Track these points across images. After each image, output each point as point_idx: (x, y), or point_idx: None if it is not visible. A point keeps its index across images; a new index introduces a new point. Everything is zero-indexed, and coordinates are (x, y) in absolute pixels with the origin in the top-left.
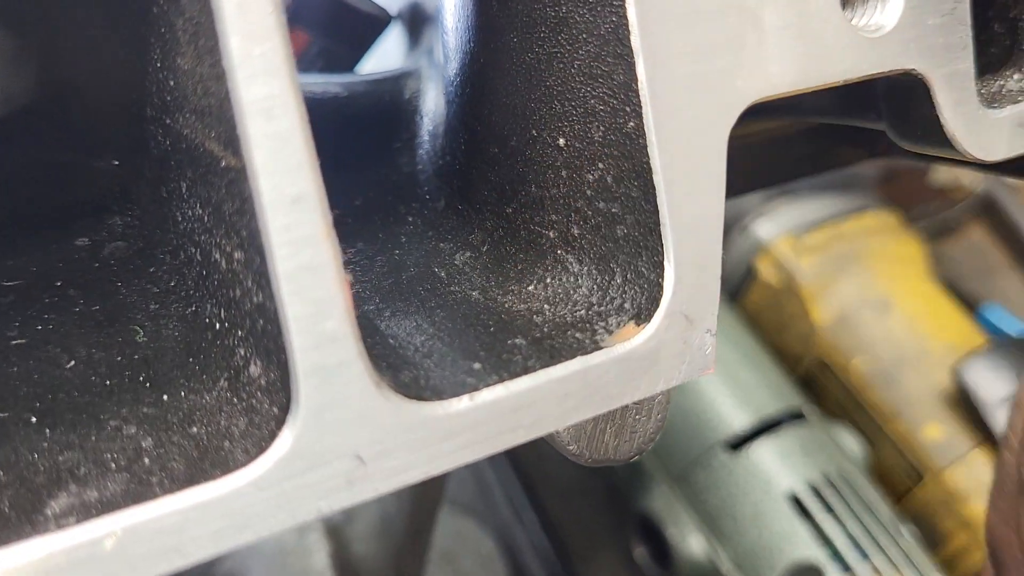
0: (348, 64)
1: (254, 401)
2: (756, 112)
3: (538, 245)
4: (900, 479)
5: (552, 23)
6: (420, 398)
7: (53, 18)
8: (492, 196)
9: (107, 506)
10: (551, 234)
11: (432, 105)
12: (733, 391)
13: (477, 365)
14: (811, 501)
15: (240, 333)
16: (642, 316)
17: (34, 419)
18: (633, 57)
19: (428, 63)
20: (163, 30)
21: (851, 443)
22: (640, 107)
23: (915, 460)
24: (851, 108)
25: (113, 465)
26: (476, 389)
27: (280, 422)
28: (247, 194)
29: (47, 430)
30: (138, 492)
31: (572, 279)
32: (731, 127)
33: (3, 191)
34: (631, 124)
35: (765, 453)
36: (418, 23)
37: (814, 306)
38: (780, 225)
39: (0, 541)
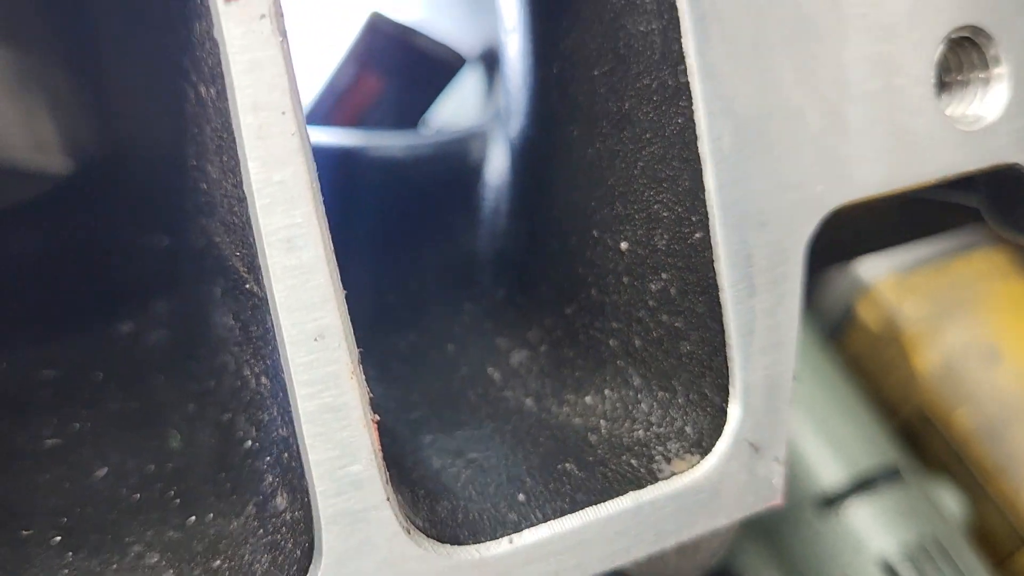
0: (421, 109)
1: (279, 536)
2: None
3: (598, 353)
4: (1002, 541)
5: (615, 119)
6: (455, 540)
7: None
8: (552, 294)
9: None
10: (612, 343)
11: (497, 176)
12: (826, 443)
13: (522, 496)
14: (905, 569)
15: (269, 459)
16: (704, 444)
17: (58, 538)
18: (700, 164)
19: (497, 122)
20: (196, 130)
21: (950, 501)
22: (707, 218)
23: (1019, 522)
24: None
25: None
26: (517, 529)
27: (303, 569)
28: (269, 324)
29: (69, 553)
30: None
31: (632, 394)
32: (811, 236)
33: (55, 270)
34: (697, 235)
35: (858, 514)
36: (495, 68)
37: (916, 352)
38: (882, 264)
39: None
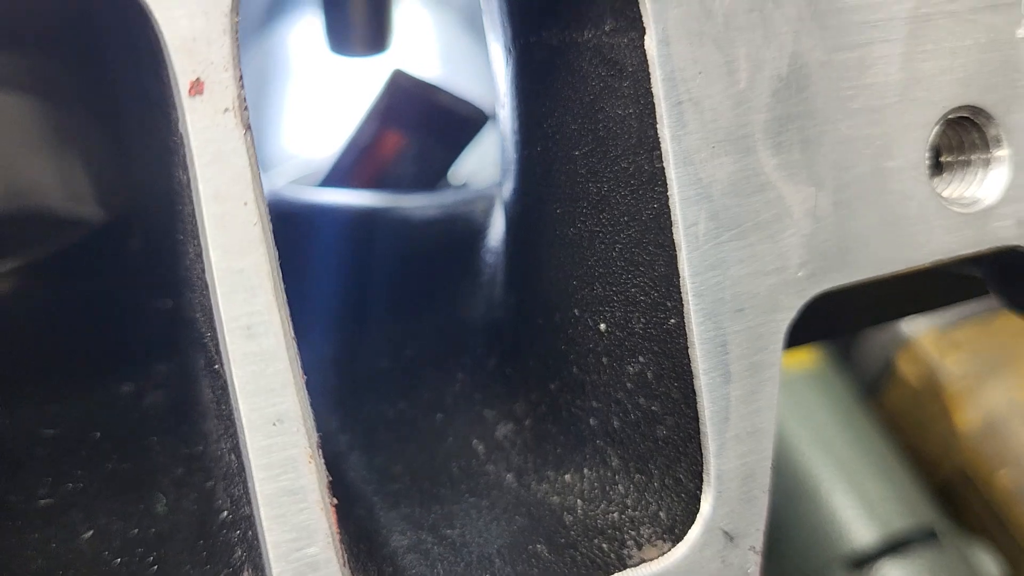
0: (444, 164)
1: None
2: None
3: (578, 431)
4: None
5: (594, 200)
6: None
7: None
8: (538, 368)
9: None
10: (592, 422)
11: (497, 243)
12: (859, 502)
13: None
14: None
15: (239, 533)
16: (677, 531)
17: None
18: (675, 250)
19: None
20: (180, 208)
21: (988, 565)
22: (682, 304)
23: None
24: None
25: None
26: None
27: None
28: (231, 408)
29: None
30: None
31: (610, 475)
32: (790, 323)
33: (65, 327)
34: (672, 321)
35: None
36: None
37: (958, 409)
38: (925, 321)
39: None
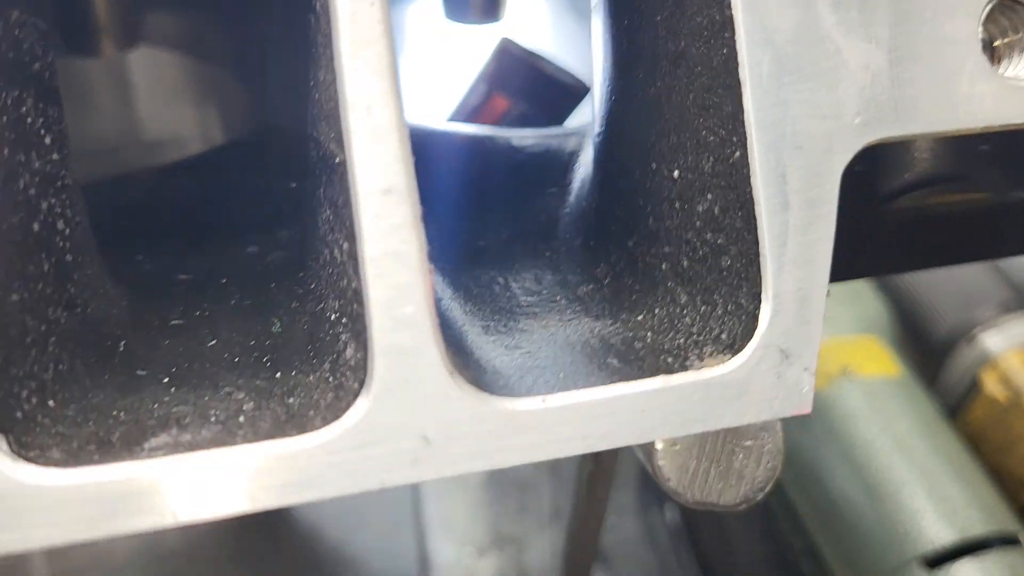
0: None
1: (343, 379)
2: (930, 182)
3: (652, 277)
4: None
5: (673, 57)
6: (492, 392)
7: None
8: (618, 230)
9: (192, 447)
10: (664, 266)
11: (586, 160)
12: (938, 506)
13: (562, 375)
14: None
15: (345, 320)
16: (736, 346)
17: (166, 379)
18: (741, 88)
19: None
20: (315, 49)
21: None
22: (746, 138)
23: None
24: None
25: (213, 418)
26: (551, 392)
27: (357, 396)
28: (348, 184)
29: (172, 388)
30: (222, 440)
31: (678, 310)
32: (846, 164)
33: (211, 208)
34: (737, 154)
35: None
36: None
37: None
38: (1012, 338)
39: (98, 462)
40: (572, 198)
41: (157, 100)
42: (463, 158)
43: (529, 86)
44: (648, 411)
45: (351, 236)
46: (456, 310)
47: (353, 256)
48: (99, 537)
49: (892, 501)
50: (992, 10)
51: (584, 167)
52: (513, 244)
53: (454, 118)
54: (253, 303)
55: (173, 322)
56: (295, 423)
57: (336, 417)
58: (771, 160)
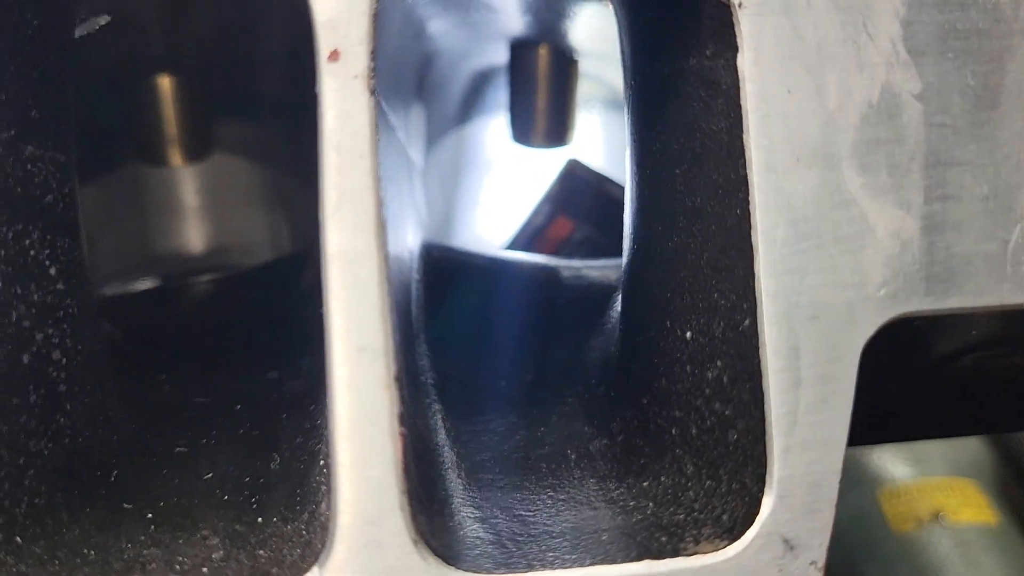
0: (609, 251)
1: (312, 535)
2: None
3: (661, 441)
4: None
5: (689, 213)
6: (459, 566)
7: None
8: (635, 385)
9: None
10: (674, 431)
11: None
12: None
13: (544, 548)
14: None
15: (326, 472)
16: (736, 531)
17: (150, 514)
18: (753, 252)
19: None
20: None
21: None
22: (755, 306)
23: None
24: None
25: (178, 566)
26: (526, 570)
27: (317, 558)
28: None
29: (152, 526)
30: None
31: (684, 481)
32: (867, 338)
33: (242, 329)
34: (747, 322)
35: None
36: None
37: None
38: None
39: None
40: (603, 339)
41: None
42: (500, 288)
43: (595, 208)
44: None
45: (328, 388)
46: (457, 459)
47: (329, 411)
48: None
49: None
50: None
51: (617, 310)
52: (537, 388)
53: (518, 238)
54: (261, 433)
55: (177, 450)
56: None
57: None
58: (782, 331)
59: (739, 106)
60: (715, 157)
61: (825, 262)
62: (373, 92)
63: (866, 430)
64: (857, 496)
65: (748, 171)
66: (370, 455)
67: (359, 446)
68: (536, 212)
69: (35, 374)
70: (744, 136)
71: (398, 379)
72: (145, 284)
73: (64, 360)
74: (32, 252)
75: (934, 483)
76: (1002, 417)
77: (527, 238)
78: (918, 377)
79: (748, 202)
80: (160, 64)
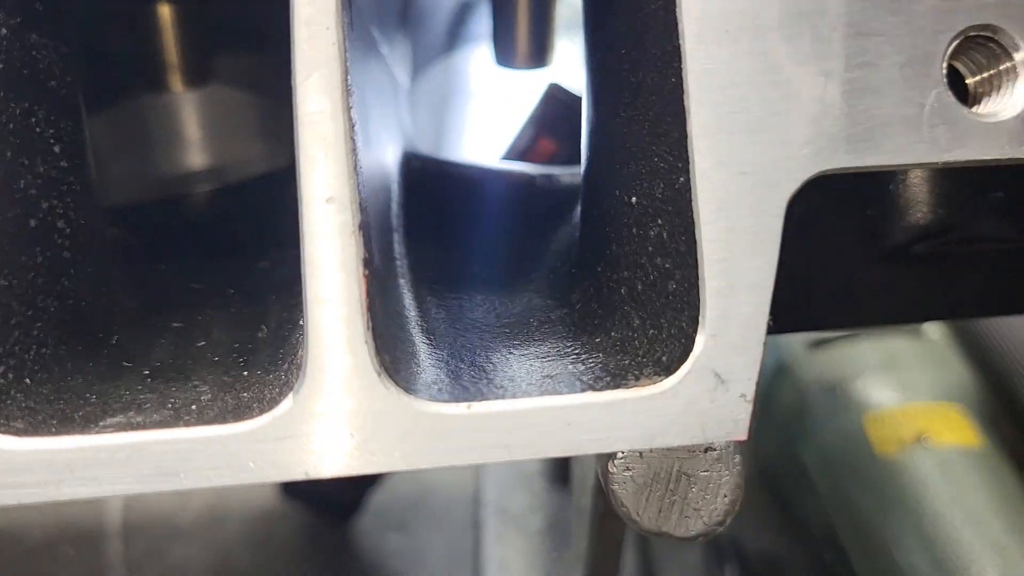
0: None
1: (291, 378)
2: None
3: (612, 301)
4: None
5: (633, 88)
6: (419, 396)
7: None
8: (591, 257)
9: (140, 427)
10: (623, 290)
11: None
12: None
13: (497, 386)
14: None
15: (302, 323)
16: (672, 369)
17: (147, 372)
18: (686, 116)
19: None
20: None
21: None
22: (689, 163)
23: None
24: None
25: (169, 405)
26: (476, 399)
27: (291, 390)
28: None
29: (149, 379)
30: (167, 423)
31: (631, 333)
32: (792, 192)
33: (239, 227)
34: (681, 179)
35: None
36: None
37: None
38: None
39: (58, 434)
40: (570, 230)
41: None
42: (480, 192)
43: (576, 129)
44: (573, 424)
45: (300, 241)
46: (423, 324)
47: (301, 261)
48: (46, 501)
49: (945, 549)
50: (963, 46)
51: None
52: (510, 271)
53: (505, 159)
54: (251, 311)
55: (174, 324)
56: (238, 414)
57: (270, 409)
58: (713, 186)
59: None
60: (653, 33)
61: (752, 124)
62: None
63: (832, 316)
64: (844, 421)
65: (682, 42)
66: (337, 294)
67: (327, 287)
68: (520, 135)
69: (41, 238)
70: (677, 10)
71: (363, 227)
72: (151, 196)
73: (68, 230)
74: (38, 129)
75: (919, 408)
76: (955, 303)
77: (513, 159)
78: (876, 266)
79: (682, 70)
80: None
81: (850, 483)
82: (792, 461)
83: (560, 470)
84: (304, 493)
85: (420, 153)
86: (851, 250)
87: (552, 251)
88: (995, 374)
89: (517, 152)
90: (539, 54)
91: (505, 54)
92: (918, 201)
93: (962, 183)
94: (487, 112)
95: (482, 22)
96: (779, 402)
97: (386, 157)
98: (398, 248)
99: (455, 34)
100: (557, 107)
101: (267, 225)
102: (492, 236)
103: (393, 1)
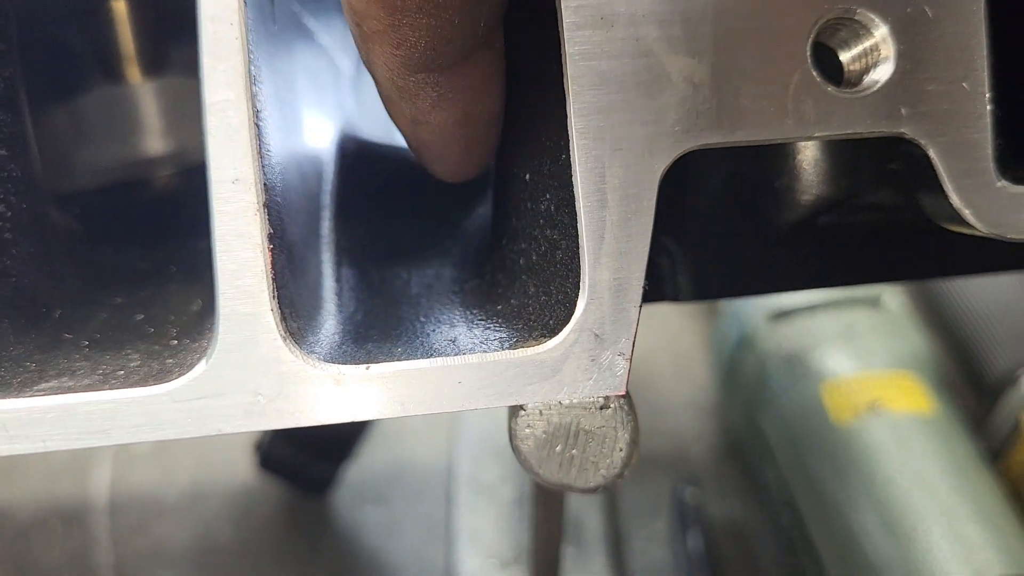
0: None
1: (207, 343)
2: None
3: (512, 271)
4: None
5: (522, 75)
6: (321, 358)
7: None
8: (498, 230)
9: (69, 390)
10: (521, 261)
11: None
12: (954, 545)
13: (399, 349)
14: None
15: None
16: (556, 332)
17: (86, 343)
18: (566, 98)
19: None
20: None
21: None
22: (570, 142)
23: None
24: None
25: (99, 372)
26: (375, 361)
27: (204, 354)
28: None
29: (87, 349)
30: (95, 387)
31: (527, 300)
32: (666, 165)
33: (184, 212)
34: (563, 156)
35: None
36: None
37: None
38: None
39: None
40: (487, 206)
41: (172, 119)
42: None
43: None
44: (464, 383)
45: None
46: (347, 296)
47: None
48: None
49: (907, 538)
50: (831, 26)
51: None
52: (434, 246)
53: None
54: (189, 288)
55: (116, 300)
56: (160, 378)
57: (187, 372)
58: (590, 161)
59: None
60: (536, 23)
61: (627, 104)
62: None
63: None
64: (802, 390)
65: (561, 31)
66: (243, 267)
67: (234, 261)
68: None
69: None
70: (557, 3)
71: (267, 205)
72: (106, 182)
73: (9, 213)
74: None
75: (873, 376)
76: (856, 270)
77: None
78: (787, 235)
79: (562, 56)
80: None
81: (807, 449)
82: (754, 430)
83: None
84: (280, 468)
85: (356, 136)
86: (760, 222)
87: (473, 227)
88: (951, 343)
89: None
90: None
91: None
92: (820, 174)
93: (859, 156)
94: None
95: None
96: (742, 373)
97: (321, 142)
98: (327, 225)
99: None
100: None
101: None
102: (418, 213)
103: None
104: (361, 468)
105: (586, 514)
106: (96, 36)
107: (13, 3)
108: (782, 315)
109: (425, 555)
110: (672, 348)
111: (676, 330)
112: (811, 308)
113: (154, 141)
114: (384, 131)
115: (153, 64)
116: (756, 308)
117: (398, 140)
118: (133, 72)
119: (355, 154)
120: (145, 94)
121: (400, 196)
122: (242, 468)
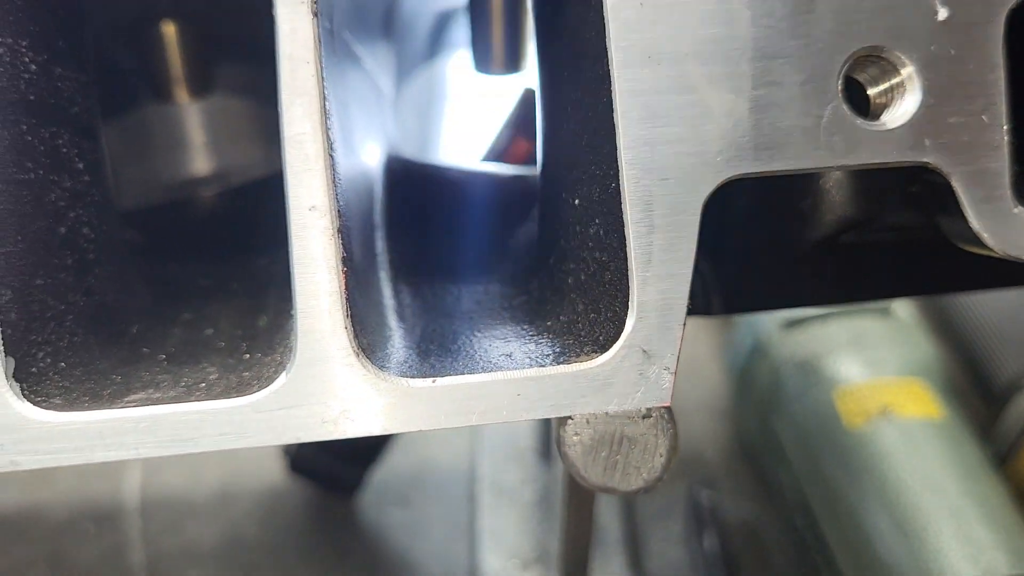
0: None
1: (285, 359)
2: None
3: (561, 290)
4: None
5: (574, 105)
6: (391, 372)
7: None
8: (545, 250)
9: (158, 402)
10: (570, 280)
11: None
12: (963, 546)
13: (460, 363)
14: None
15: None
16: (607, 347)
17: (163, 357)
18: (615, 131)
19: None
20: None
21: None
22: (619, 171)
23: None
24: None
25: (182, 384)
26: (441, 375)
27: (284, 369)
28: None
29: (165, 363)
30: (181, 398)
31: (576, 317)
32: (708, 194)
33: (243, 229)
34: (613, 185)
35: None
36: None
37: None
38: None
39: (90, 408)
40: (532, 225)
41: (224, 137)
42: (455, 191)
43: None
44: (523, 395)
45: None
46: (400, 312)
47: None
48: (81, 463)
49: (917, 538)
50: (861, 63)
51: None
52: (480, 263)
53: (485, 159)
54: (253, 303)
55: (184, 316)
56: (240, 390)
57: (267, 386)
58: (639, 190)
59: (603, 16)
60: (589, 57)
61: (672, 136)
62: (316, 14)
63: (769, 299)
64: (815, 396)
65: (611, 67)
66: (320, 288)
67: (312, 282)
68: (499, 136)
69: (69, 243)
70: (607, 40)
71: (341, 231)
72: (161, 200)
73: (92, 235)
74: (64, 150)
75: (884, 382)
76: (878, 286)
77: (493, 160)
78: (811, 253)
79: (611, 92)
80: (164, 11)
81: (820, 453)
82: (768, 434)
83: (550, 445)
84: (310, 471)
85: (402, 156)
86: (786, 241)
87: (518, 245)
88: (959, 351)
89: (496, 153)
90: (513, 60)
91: (482, 61)
92: (844, 196)
93: (883, 180)
94: (467, 116)
95: (460, 32)
96: (756, 379)
97: (369, 162)
98: (380, 244)
99: (435, 44)
100: (532, 110)
101: (266, 224)
102: (465, 231)
103: (376, 16)
104: (386, 471)
105: (605, 516)
106: (147, 59)
107: (92, 34)
108: (795, 324)
109: (449, 555)
110: (687, 353)
111: (691, 336)
112: (823, 317)
113: (201, 159)
114: (421, 150)
115: (200, 85)
116: (770, 317)
117: (441, 158)
118: (181, 93)
119: (400, 173)
120: (192, 114)
121: (445, 214)
122: (270, 470)
